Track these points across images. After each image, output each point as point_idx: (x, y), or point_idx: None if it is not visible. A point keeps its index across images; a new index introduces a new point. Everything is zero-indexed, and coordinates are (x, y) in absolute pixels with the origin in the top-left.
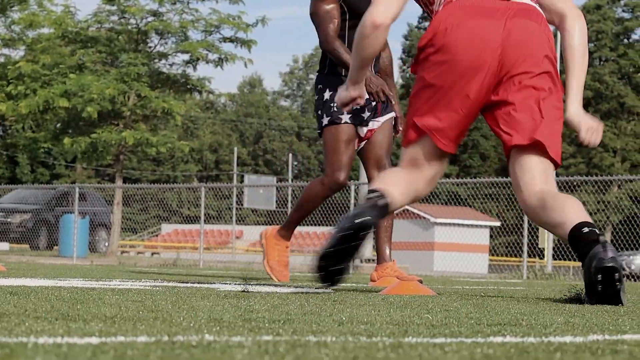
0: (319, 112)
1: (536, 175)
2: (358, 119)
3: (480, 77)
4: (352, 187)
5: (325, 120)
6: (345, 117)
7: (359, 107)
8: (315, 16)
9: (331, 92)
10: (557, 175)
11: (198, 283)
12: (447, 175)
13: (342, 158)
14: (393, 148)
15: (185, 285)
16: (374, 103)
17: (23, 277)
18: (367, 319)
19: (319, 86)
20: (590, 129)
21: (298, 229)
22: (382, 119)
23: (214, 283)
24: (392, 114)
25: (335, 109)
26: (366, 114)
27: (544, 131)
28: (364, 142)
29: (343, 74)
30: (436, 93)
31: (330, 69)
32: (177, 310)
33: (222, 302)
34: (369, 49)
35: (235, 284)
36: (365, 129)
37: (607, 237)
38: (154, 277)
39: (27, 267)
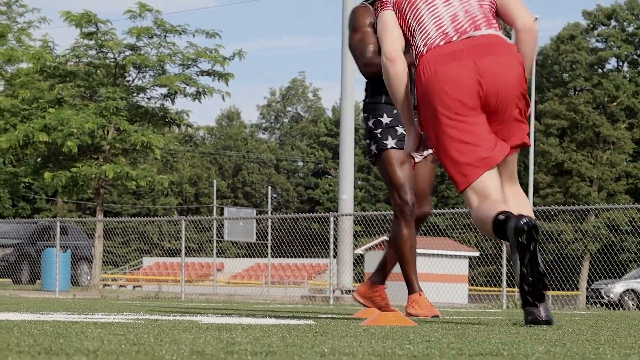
0: (368, 141)
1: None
2: (403, 143)
3: (469, 108)
4: (332, 219)
5: (374, 148)
6: (391, 142)
7: (401, 133)
8: (351, 48)
9: (374, 120)
10: (535, 205)
11: (180, 316)
12: None
13: (399, 179)
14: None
15: (167, 318)
16: None
17: (6, 312)
18: (349, 351)
19: (364, 114)
20: None
21: (278, 260)
22: (425, 153)
23: (196, 315)
24: None
25: (379, 135)
26: None
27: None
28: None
29: (383, 100)
30: (447, 139)
31: (371, 97)
32: (159, 344)
33: (204, 335)
34: (398, 86)
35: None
36: (418, 157)
37: (585, 266)
38: (136, 310)
39: (10, 301)
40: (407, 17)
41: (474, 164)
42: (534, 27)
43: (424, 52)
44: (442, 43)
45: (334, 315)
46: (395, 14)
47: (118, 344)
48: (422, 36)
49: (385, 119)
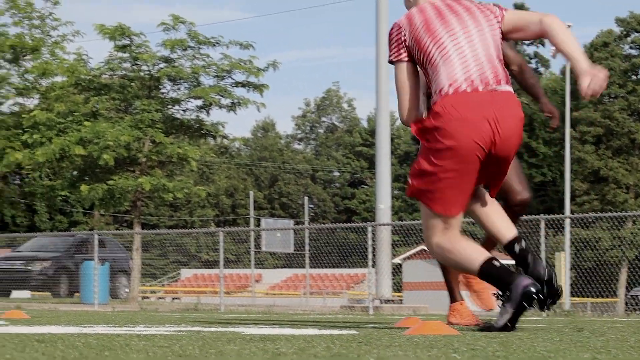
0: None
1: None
2: None
3: (477, 160)
4: (369, 229)
5: None
6: None
7: None
8: None
9: None
10: (572, 212)
11: (222, 327)
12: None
13: None
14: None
15: (209, 329)
16: None
17: (48, 325)
18: None
19: None
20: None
21: (316, 271)
22: None
23: (238, 326)
24: None
25: None
26: None
27: None
28: None
29: None
30: (444, 177)
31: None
32: (205, 355)
33: (248, 346)
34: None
35: (258, 327)
36: None
37: (624, 272)
38: (177, 322)
39: (50, 314)
40: (428, 48)
41: (450, 201)
42: (553, 15)
43: (450, 92)
44: (469, 90)
45: (376, 325)
46: (410, 44)
47: (164, 356)
48: (448, 75)
49: None
